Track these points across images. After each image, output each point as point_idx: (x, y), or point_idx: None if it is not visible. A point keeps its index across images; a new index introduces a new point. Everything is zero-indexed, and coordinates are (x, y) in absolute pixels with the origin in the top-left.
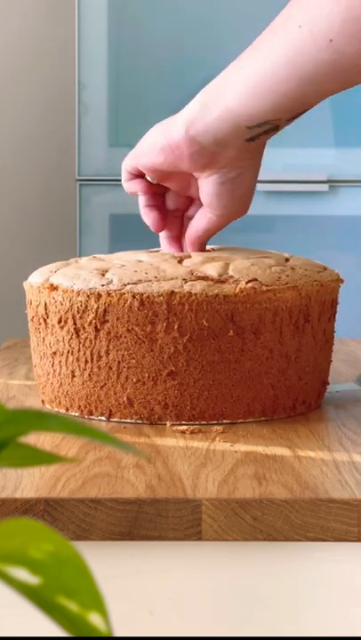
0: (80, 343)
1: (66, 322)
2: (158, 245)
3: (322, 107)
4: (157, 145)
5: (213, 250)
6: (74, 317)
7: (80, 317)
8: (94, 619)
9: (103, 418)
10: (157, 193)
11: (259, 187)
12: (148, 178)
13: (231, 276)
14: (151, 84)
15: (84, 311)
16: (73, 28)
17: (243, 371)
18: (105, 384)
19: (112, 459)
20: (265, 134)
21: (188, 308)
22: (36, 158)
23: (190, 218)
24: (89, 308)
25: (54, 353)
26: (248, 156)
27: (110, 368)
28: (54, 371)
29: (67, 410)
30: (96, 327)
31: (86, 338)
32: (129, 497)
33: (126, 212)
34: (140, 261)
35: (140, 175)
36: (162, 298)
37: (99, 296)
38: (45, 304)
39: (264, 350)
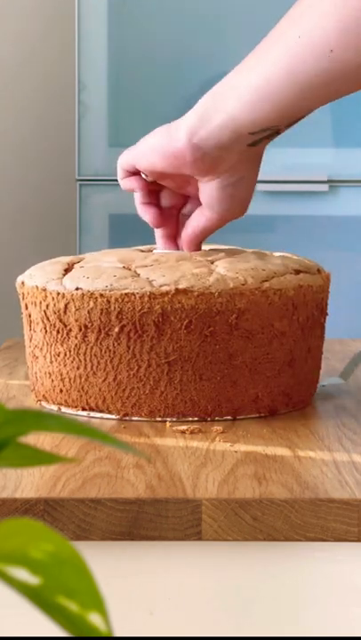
0: (80, 343)
1: (63, 322)
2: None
3: (322, 107)
4: (159, 149)
5: (212, 250)
6: (71, 317)
7: (79, 317)
8: (94, 619)
9: (102, 416)
10: (153, 190)
11: (259, 187)
12: (143, 176)
13: (224, 276)
14: (151, 85)
15: (82, 311)
16: (73, 28)
17: (239, 369)
18: (103, 383)
19: (112, 459)
20: (266, 139)
21: (184, 307)
22: (36, 158)
23: (186, 215)
24: (88, 308)
25: (58, 353)
26: (249, 159)
27: (110, 367)
28: (55, 369)
29: (67, 407)
30: (99, 328)
31: (85, 338)
32: (129, 497)
33: (126, 212)
34: (139, 259)
35: (136, 173)
36: (160, 298)
37: (98, 296)
38: (35, 304)
39: (261, 349)
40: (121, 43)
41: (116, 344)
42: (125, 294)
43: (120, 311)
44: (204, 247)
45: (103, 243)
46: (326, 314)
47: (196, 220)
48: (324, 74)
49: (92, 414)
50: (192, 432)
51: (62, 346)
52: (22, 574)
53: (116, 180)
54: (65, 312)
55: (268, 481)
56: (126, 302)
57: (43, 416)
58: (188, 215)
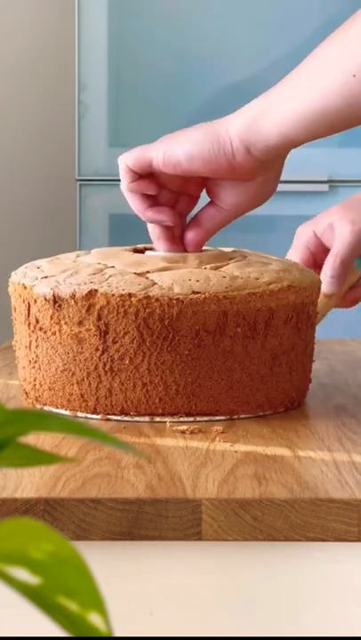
0: (79, 343)
1: (60, 323)
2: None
3: None
4: (210, 156)
5: (207, 251)
6: (70, 318)
7: (78, 318)
8: (94, 619)
9: (99, 416)
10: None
11: None
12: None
13: (224, 278)
14: (151, 84)
15: (82, 311)
16: (73, 28)
17: (236, 368)
18: (101, 382)
19: (112, 459)
20: None
21: (181, 307)
22: (36, 158)
23: (181, 214)
24: (86, 307)
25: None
26: (284, 158)
27: (108, 367)
28: (57, 371)
29: (66, 409)
30: (98, 328)
31: (84, 338)
32: (129, 497)
33: (126, 212)
34: (138, 262)
35: (144, 175)
36: (159, 299)
37: (98, 296)
38: (29, 304)
39: (256, 349)
40: (121, 43)
41: (121, 346)
42: (130, 294)
43: (120, 314)
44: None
45: (103, 243)
46: (317, 313)
47: (212, 218)
48: None
49: (90, 416)
50: (192, 432)
51: (76, 349)
52: (22, 574)
53: (117, 180)
54: (81, 315)
55: (268, 481)
56: (124, 304)
57: (43, 416)
58: (183, 213)
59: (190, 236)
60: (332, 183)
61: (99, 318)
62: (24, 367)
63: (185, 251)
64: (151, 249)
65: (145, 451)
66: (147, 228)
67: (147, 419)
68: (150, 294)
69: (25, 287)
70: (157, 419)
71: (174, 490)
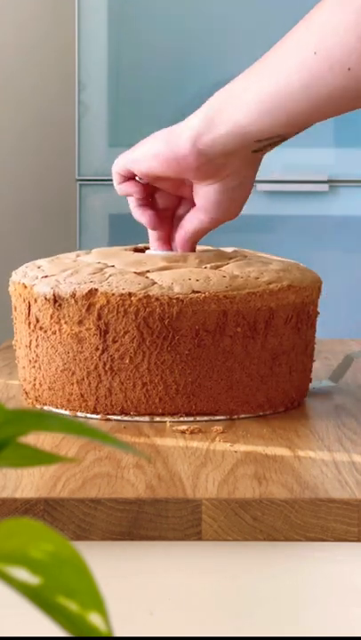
0: (79, 342)
1: (60, 322)
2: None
3: None
4: (161, 155)
5: (207, 250)
6: (70, 317)
7: (78, 317)
8: (94, 619)
9: (99, 416)
10: (149, 192)
11: (259, 187)
12: (138, 179)
13: (224, 277)
14: (151, 85)
15: (82, 311)
16: (73, 28)
17: (236, 368)
18: (101, 382)
19: (112, 459)
20: (271, 145)
21: (181, 307)
22: (36, 158)
23: (180, 217)
24: (86, 307)
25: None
26: (250, 164)
27: (108, 366)
28: (57, 371)
29: (66, 409)
30: (98, 327)
31: (84, 337)
32: (129, 497)
33: (126, 212)
34: (138, 261)
35: (131, 177)
36: (158, 298)
37: (98, 296)
38: (29, 303)
39: (256, 349)
40: (121, 43)
41: (121, 346)
42: (130, 294)
43: (120, 314)
44: (198, 248)
45: (103, 243)
46: (317, 312)
47: (190, 222)
48: (340, 90)
49: (89, 416)
50: (192, 432)
51: (76, 348)
52: (22, 574)
53: None
54: (82, 313)
55: (268, 481)
56: (124, 304)
57: (43, 416)
58: (183, 216)
59: (176, 236)
60: (332, 183)
61: (99, 318)
62: (24, 367)
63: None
64: (144, 250)
65: (145, 451)
66: (147, 228)
67: (147, 418)
68: (150, 293)
69: (25, 286)
70: (157, 418)
71: (174, 490)
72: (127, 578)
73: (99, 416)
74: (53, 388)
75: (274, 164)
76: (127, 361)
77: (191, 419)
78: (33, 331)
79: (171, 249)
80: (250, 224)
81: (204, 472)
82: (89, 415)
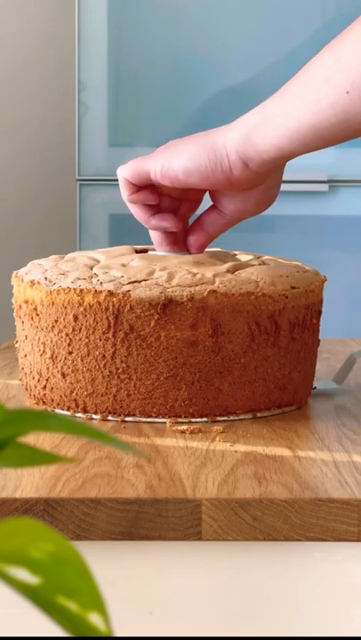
0: (191, 346)
1: (168, 327)
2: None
3: None
4: (211, 175)
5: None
6: (182, 322)
7: (192, 320)
8: (94, 619)
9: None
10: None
11: None
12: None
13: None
14: (151, 85)
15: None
16: (73, 28)
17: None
18: (211, 385)
19: (112, 459)
20: None
21: (283, 304)
22: (36, 158)
23: (184, 217)
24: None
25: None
26: (283, 167)
27: (220, 368)
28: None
29: (167, 416)
30: (213, 329)
31: (196, 341)
32: (129, 497)
33: (126, 212)
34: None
35: (144, 186)
36: (271, 296)
37: (218, 297)
38: (117, 312)
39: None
40: (121, 43)
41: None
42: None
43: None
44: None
45: (103, 242)
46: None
47: (214, 224)
48: None
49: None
50: (192, 432)
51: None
52: (22, 574)
53: (116, 180)
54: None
55: (268, 481)
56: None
57: (43, 416)
58: (186, 216)
59: (193, 238)
60: (332, 183)
61: (213, 319)
62: (96, 381)
63: (188, 252)
64: (147, 250)
65: (145, 451)
66: (147, 228)
67: (249, 416)
68: (265, 292)
69: (112, 293)
70: (259, 414)
71: (174, 490)
72: (127, 578)
73: (205, 419)
74: (152, 396)
75: None
76: (240, 360)
77: (280, 411)
78: (122, 340)
79: (181, 249)
80: (250, 224)
81: (204, 472)
82: (193, 420)
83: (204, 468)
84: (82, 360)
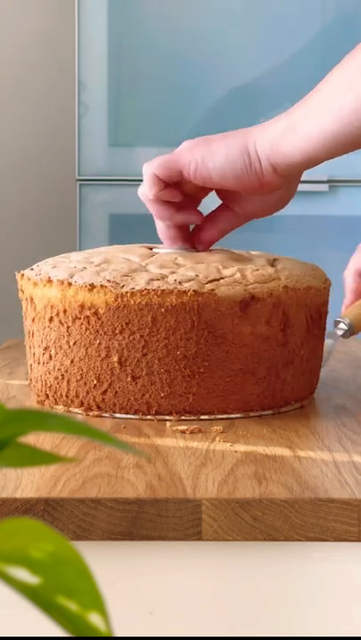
0: (265, 341)
1: (246, 324)
2: (156, 243)
3: None
4: (245, 178)
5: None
6: (259, 318)
7: (268, 316)
8: (94, 619)
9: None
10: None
11: None
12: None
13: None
14: (151, 84)
15: (84, 307)
16: (73, 28)
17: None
18: (278, 377)
19: (112, 459)
20: None
21: (325, 296)
22: (36, 158)
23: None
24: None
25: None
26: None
27: (286, 360)
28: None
29: (239, 412)
30: (282, 323)
31: (269, 335)
32: (129, 497)
33: (126, 212)
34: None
35: (170, 184)
36: (320, 290)
37: (289, 292)
38: (199, 311)
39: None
40: (121, 43)
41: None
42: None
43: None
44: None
45: (103, 242)
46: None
47: (227, 222)
48: None
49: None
50: (192, 432)
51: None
52: (22, 574)
53: (117, 180)
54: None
55: (268, 481)
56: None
57: (43, 416)
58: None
59: (205, 235)
60: (332, 183)
61: (283, 313)
62: (178, 380)
63: (194, 248)
64: (152, 248)
65: (145, 451)
66: (146, 227)
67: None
68: (316, 286)
69: (198, 293)
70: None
71: (174, 490)
72: (127, 578)
73: (271, 412)
74: (227, 393)
75: None
76: (300, 352)
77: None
78: (205, 339)
79: (190, 246)
80: (250, 224)
81: (204, 472)
82: (263, 413)
83: (205, 467)
84: (159, 361)
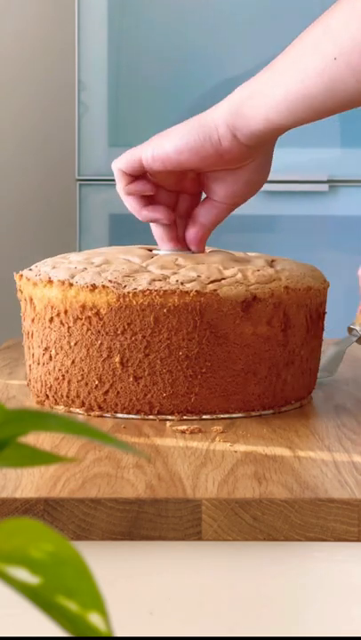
0: (266, 341)
1: (248, 324)
2: (156, 244)
3: None
4: (201, 149)
5: (211, 252)
6: (260, 318)
7: (269, 316)
8: (94, 619)
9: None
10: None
11: None
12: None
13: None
14: (151, 85)
15: (85, 307)
16: (73, 28)
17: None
18: (279, 377)
19: (112, 459)
20: None
21: (323, 297)
22: (36, 158)
23: (182, 214)
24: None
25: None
26: (273, 145)
27: (286, 360)
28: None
29: (240, 412)
30: (283, 323)
31: (270, 336)
32: (129, 497)
33: (126, 212)
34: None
35: (140, 175)
36: (318, 289)
37: (290, 292)
38: (201, 312)
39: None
40: (121, 43)
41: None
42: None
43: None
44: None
45: (103, 242)
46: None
47: (206, 215)
48: None
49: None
50: (192, 432)
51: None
52: (22, 574)
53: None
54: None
55: (268, 481)
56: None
57: (43, 416)
58: (184, 213)
59: (191, 232)
60: (332, 183)
61: (284, 314)
62: (180, 380)
63: (189, 250)
64: (151, 250)
65: (145, 451)
66: (147, 228)
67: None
68: (315, 286)
69: (200, 293)
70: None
71: (174, 490)
72: (127, 578)
73: (272, 411)
74: (228, 393)
75: (274, 163)
76: (300, 352)
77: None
78: (207, 339)
79: (184, 247)
80: (250, 224)
81: (203, 472)
82: (264, 412)
83: (204, 468)
84: (161, 362)
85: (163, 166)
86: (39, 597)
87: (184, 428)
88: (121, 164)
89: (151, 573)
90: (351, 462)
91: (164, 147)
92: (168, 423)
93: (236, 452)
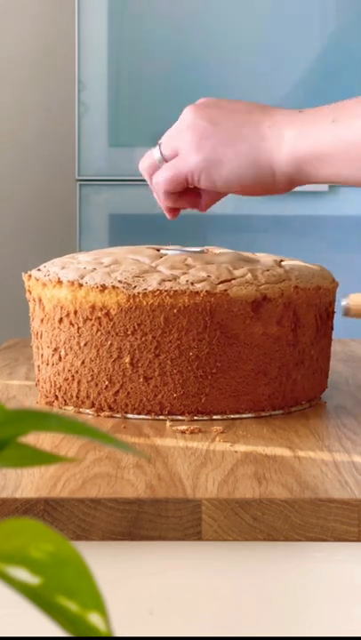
0: (276, 341)
1: (258, 324)
2: (157, 244)
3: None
4: (252, 186)
5: (210, 252)
6: (270, 318)
7: (279, 316)
8: (94, 619)
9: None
10: None
11: None
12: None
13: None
14: (151, 85)
15: (95, 308)
16: (73, 28)
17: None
18: (192, 383)
19: (112, 459)
20: None
21: (333, 296)
22: (36, 158)
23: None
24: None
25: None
26: None
27: (296, 360)
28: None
29: (250, 412)
30: (293, 323)
31: (281, 335)
32: (129, 497)
33: (126, 212)
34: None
35: (187, 188)
36: (328, 289)
37: (300, 292)
38: (212, 312)
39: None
40: (121, 43)
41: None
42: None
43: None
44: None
45: (103, 243)
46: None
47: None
48: None
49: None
50: (192, 432)
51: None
52: (22, 574)
53: (117, 180)
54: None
55: (268, 481)
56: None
57: (43, 416)
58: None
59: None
60: (332, 183)
61: (294, 314)
62: (190, 381)
63: (200, 251)
64: (159, 249)
65: (145, 451)
66: (147, 228)
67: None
68: (325, 285)
69: (210, 293)
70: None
71: (174, 490)
72: (127, 578)
73: (281, 412)
74: (239, 393)
75: None
76: (310, 352)
77: (315, 401)
78: (218, 339)
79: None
80: (250, 224)
81: (203, 472)
82: (274, 413)
83: (204, 468)
84: (171, 362)
85: (209, 189)
86: (39, 597)
87: (184, 428)
88: (166, 185)
89: (151, 573)
90: (351, 462)
91: (212, 177)
92: (168, 423)
93: (236, 452)
